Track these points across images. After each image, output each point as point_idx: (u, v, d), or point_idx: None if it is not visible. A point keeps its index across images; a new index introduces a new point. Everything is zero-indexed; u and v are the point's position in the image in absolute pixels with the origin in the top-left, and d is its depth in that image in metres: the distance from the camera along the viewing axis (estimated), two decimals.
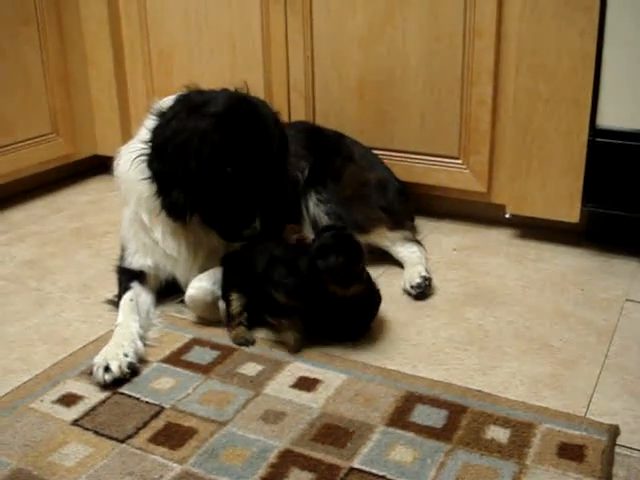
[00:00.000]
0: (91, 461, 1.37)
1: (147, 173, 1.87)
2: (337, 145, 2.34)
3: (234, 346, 1.76)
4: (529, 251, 2.30)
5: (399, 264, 2.17)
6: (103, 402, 1.55)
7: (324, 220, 2.13)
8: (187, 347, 1.77)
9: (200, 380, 1.63)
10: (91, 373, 1.63)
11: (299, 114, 2.55)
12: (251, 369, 1.67)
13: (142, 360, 1.70)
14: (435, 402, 1.53)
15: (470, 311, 1.95)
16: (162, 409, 1.53)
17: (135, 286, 1.91)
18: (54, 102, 2.84)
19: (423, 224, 2.48)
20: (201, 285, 1.85)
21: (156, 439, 1.43)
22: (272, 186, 1.90)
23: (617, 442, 1.42)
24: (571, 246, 2.31)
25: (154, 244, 1.93)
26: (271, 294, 1.74)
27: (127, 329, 1.75)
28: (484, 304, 1.98)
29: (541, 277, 2.13)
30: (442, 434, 1.43)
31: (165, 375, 1.65)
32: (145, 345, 1.75)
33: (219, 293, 1.84)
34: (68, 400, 1.56)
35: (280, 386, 1.60)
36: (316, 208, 2.16)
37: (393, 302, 1.99)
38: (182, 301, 1.91)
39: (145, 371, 1.67)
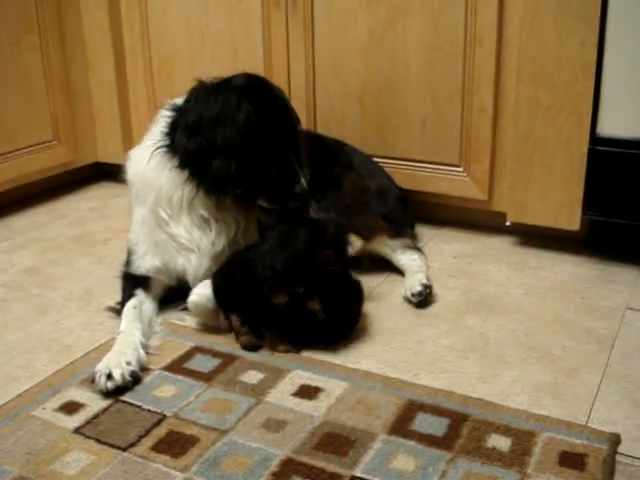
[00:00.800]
0: (93, 469, 1.37)
1: (173, 162, 1.88)
2: (337, 153, 2.35)
3: (235, 354, 1.76)
4: (530, 259, 2.31)
5: (400, 272, 2.17)
6: (105, 410, 1.55)
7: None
8: (189, 355, 1.77)
9: (202, 388, 1.63)
10: (93, 381, 1.62)
11: (300, 122, 2.55)
12: (252, 377, 1.67)
13: (144, 368, 1.70)
14: (436, 410, 1.53)
15: (471, 319, 1.95)
16: (164, 417, 1.53)
17: (139, 293, 1.91)
18: (55, 109, 2.85)
19: (424, 232, 2.48)
20: (204, 292, 1.85)
21: (158, 447, 1.43)
22: (299, 151, 1.98)
23: (618, 451, 1.42)
24: (572, 254, 2.31)
25: (167, 239, 1.93)
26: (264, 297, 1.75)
27: (130, 337, 1.75)
28: (485, 312, 1.98)
29: (542, 285, 2.13)
30: (443, 442, 1.44)
31: (167, 383, 1.65)
32: (147, 353, 1.75)
33: None
34: (70, 408, 1.56)
35: (281, 394, 1.60)
36: (316, 216, 2.16)
37: (394, 310, 1.99)
38: (185, 308, 1.92)
39: (147, 379, 1.67)
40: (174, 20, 2.75)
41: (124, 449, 1.43)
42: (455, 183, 2.42)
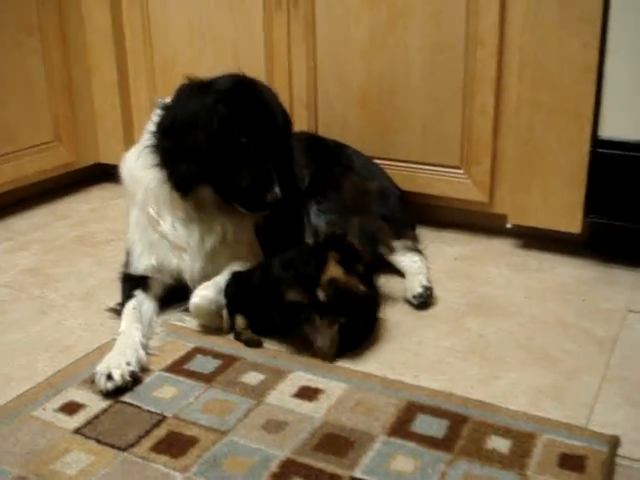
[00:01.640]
0: (93, 470, 1.38)
1: (155, 160, 1.89)
2: (337, 155, 2.35)
3: (236, 355, 1.76)
4: (530, 261, 2.31)
5: (400, 273, 2.17)
6: (105, 411, 1.56)
7: (325, 230, 2.13)
8: (189, 356, 1.77)
9: (202, 389, 1.63)
10: (93, 381, 1.63)
11: (302, 124, 2.55)
12: (253, 378, 1.67)
13: (144, 369, 1.70)
14: (436, 412, 1.53)
15: (471, 321, 1.95)
16: (164, 418, 1.53)
17: (138, 294, 1.92)
18: (57, 110, 2.85)
19: (424, 234, 2.48)
20: (205, 294, 1.85)
21: (158, 448, 1.43)
22: (283, 157, 1.94)
23: (618, 453, 1.41)
24: (572, 256, 2.31)
25: (160, 239, 1.94)
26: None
27: (130, 338, 1.76)
28: (485, 314, 1.98)
29: (542, 287, 2.13)
30: (443, 444, 1.44)
31: (167, 384, 1.66)
32: (147, 354, 1.75)
33: (223, 302, 1.85)
34: (70, 408, 1.56)
35: (282, 395, 1.60)
36: (317, 218, 2.16)
37: (394, 311, 1.99)
38: (186, 309, 1.92)
39: (147, 380, 1.67)
40: (176, 21, 2.75)
41: (124, 449, 1.43)
42: (456, 185, 2.42)
